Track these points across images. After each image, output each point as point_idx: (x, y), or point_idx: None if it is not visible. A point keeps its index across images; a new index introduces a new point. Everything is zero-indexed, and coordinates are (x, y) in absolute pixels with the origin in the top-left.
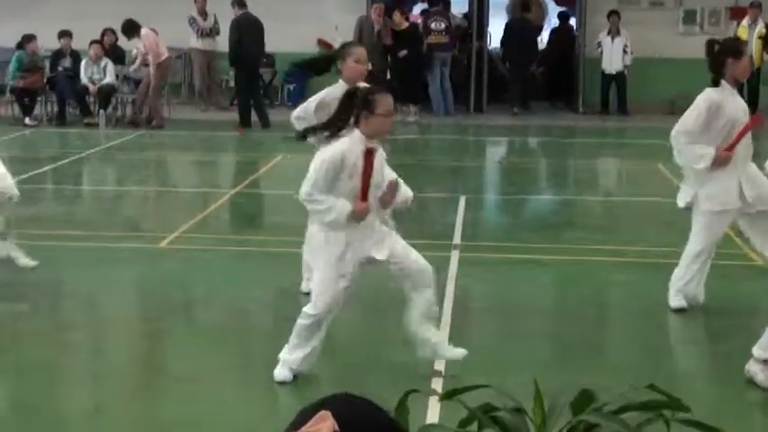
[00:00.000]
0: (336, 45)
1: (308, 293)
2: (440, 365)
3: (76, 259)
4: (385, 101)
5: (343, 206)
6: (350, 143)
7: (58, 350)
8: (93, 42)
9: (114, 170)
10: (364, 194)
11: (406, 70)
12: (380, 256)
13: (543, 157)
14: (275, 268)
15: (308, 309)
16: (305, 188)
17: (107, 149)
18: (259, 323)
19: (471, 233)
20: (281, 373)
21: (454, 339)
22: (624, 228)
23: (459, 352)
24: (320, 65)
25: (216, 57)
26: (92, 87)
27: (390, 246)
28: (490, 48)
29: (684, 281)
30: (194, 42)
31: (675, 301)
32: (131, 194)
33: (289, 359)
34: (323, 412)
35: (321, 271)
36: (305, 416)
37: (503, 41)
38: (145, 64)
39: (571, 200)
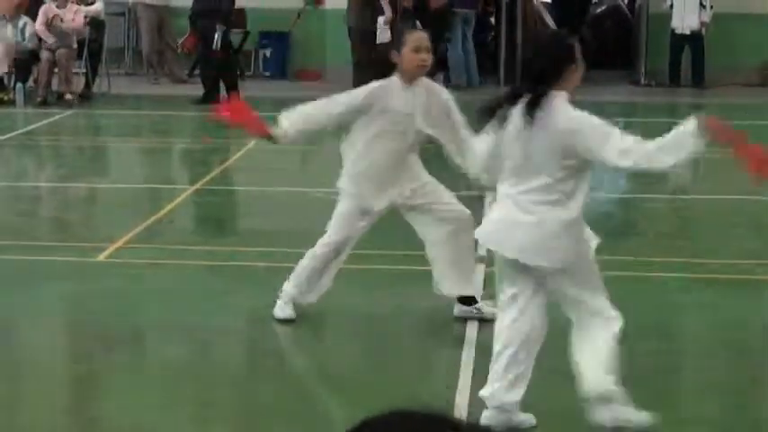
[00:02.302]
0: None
1: (284, 319)
2: (462, 399)
3: None
4: None
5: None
6: None
7: None
8: None
9: (37, 161)
10: None
11: (441, 28)
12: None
13: None
14: (246, 288)
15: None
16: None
17: (27, 134)
18: (226, 360)
19: None
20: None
21: (482, 382)
22: (700, 234)
23: None
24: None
25: (169, 13)
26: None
27: None
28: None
29: None
30: None
31: None
32: (60, 192)
33: None
34: None
35: None
36: None
37: None
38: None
39: (630, 199)
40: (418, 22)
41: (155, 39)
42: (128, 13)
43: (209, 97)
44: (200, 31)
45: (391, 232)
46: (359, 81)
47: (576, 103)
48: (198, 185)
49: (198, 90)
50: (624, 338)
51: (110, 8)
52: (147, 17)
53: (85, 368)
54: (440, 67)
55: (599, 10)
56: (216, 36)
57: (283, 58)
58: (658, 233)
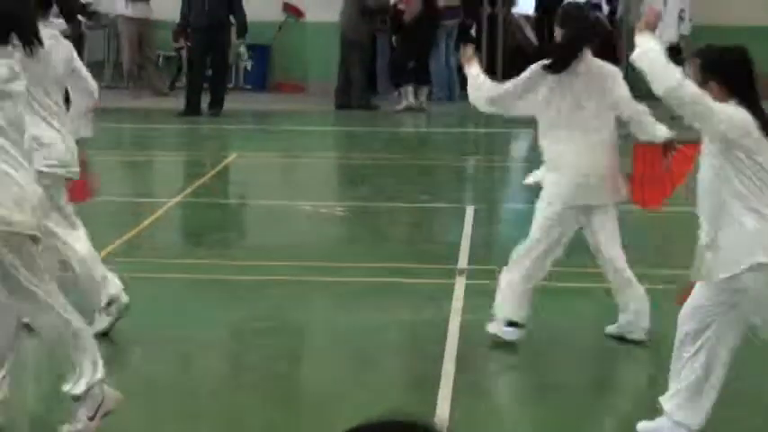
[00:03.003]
0: (308, 10)
1: None
2: (443, 412)
3: None
4: None
5: None
6: None
7: None
8: None
9: None
10: None
11: (419, 40)
12: None
13: None
14: (228, 302)
15: None
16: None
17: None
18: (208, 374)
19: (482, 254)
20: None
21: (461, 394)
22: (686, 246)
23: None
24: None
25: (150, 26)
26: None
27: None
28: (516, 11)
29: None
30: (122, 8)
31: None
32: None
33: None
34: None
35: None
36: None
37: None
38: None
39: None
40: (394, 38)
41: (135, 52)
42: (108, 27)
43: (193, 109)
44: (207, 44)
45: (371, 244)
46: (342, 91)
47: None
48: (179, 198)
49: (178, 103)
50: (614, 351)
51: (89, 21)
52: (127, 30)
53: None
54: (424, 81)
55: None
56: (242, 50)
57: (264, 70)
58: (642, 245)
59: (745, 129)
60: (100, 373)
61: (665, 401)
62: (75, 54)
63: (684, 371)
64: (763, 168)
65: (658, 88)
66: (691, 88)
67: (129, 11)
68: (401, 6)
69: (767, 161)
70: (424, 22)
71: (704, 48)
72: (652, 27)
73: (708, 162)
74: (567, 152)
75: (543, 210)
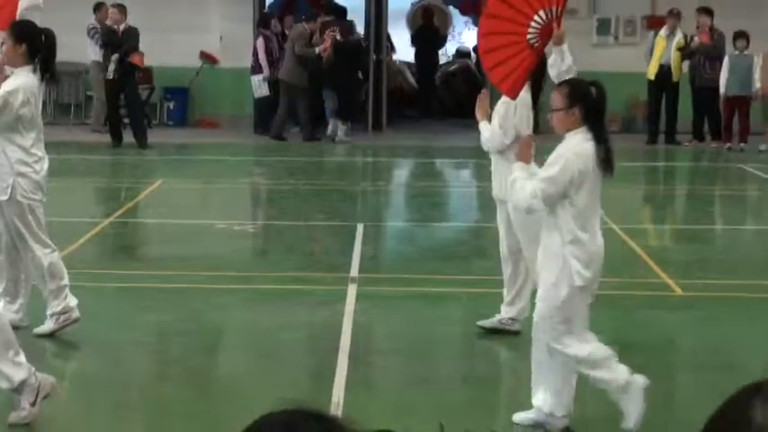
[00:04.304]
0: (221, 57)
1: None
2: (338, 399)
3: None
4: None
5: None
6: None
7: None
8: None
9: None
10: None
11: (336, 82)
12: None
13: (449, 180)
14: (156, 306)
15: None
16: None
17: None
18: (137, 368)
19: (370, 265)
20: None
21: (354, 385)
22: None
23: None
24: None
25: None
26: None
27: None
28: (396, 58)
29: None
30: (95, 55)
31: None
32: None
33: None
34: None
35: None
36: None
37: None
38: None
39: (482, 227)
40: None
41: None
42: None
43: (119, 141)
44: (119, 86)
45: (277, 256)
46: (278, 126)
47: (436, 149)
48: (112, 218)
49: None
50: (482, 347)
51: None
52: (98, 74)
53: None
54: (318, 120)
55: (452, 68)
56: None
57: (184, 109)
58: None
59: (581, 174)
60: (24, 370)
61: (534, 397)
62: None
63: (545, 365)
64: (585, 197)
65: (517, 204)
66: (539, 203)
67: (101, 58)
68: (323, 54)
69: (591, 191)
70: (336, 67)
71: (572, 78)
72: (526, 160)
73: None
74: None
75: None
